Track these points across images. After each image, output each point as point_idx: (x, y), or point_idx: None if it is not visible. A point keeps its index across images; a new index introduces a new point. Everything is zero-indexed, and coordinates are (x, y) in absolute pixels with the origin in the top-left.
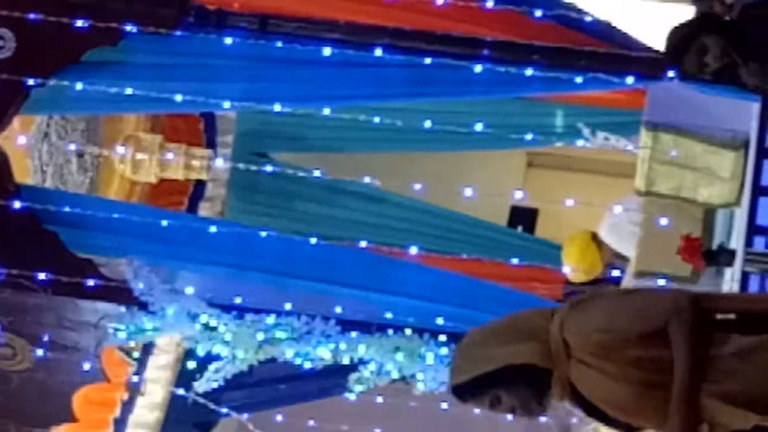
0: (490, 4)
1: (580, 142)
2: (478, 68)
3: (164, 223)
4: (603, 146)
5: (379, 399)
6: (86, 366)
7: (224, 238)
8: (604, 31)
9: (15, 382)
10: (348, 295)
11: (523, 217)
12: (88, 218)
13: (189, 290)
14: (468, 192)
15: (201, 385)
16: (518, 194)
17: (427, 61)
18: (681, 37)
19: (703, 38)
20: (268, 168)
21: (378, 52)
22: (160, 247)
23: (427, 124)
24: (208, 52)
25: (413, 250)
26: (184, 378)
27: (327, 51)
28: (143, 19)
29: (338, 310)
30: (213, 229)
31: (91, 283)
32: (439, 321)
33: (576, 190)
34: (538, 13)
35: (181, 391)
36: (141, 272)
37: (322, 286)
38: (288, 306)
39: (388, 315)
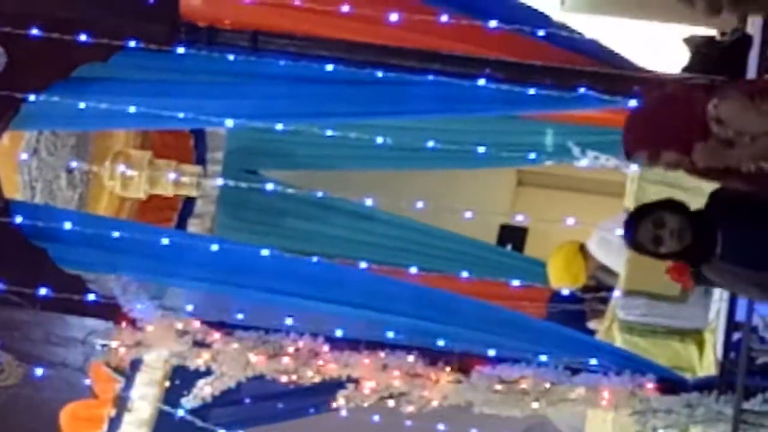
0: (493, 24)
1: (570, 161)
2: (471, 86)
3: (153, 239)
4: (593, 165)
5: (369, 417)
6: (73, 382)
7: (213, 255)
8: (594, 50)
9: (1, 398)
10: (337, 312)
11: (513, 236)
12: (76, 234)
13: (177, 306)
14: (465, 212)
15: (189, 402)
16: (507, 214)
17: (419, 78)
18: (645, 205)
19: (664, 212)
20: (269, 186)
21: (370, 69)
22: (148, 263)
23: (419, 142)
24: (199, 68)
25: (413, 270)
26: (172, 394)
27: (318, 68)
28: (134, 36)
29: (326, 327)
30: (202, 245)
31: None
32: (429, 339)
33: (566, 209)
34: (541, 33)
35: (168, 408)
36: (129, 288)
37: (311, 304)
38: (276, 323)
39: (377, 332)
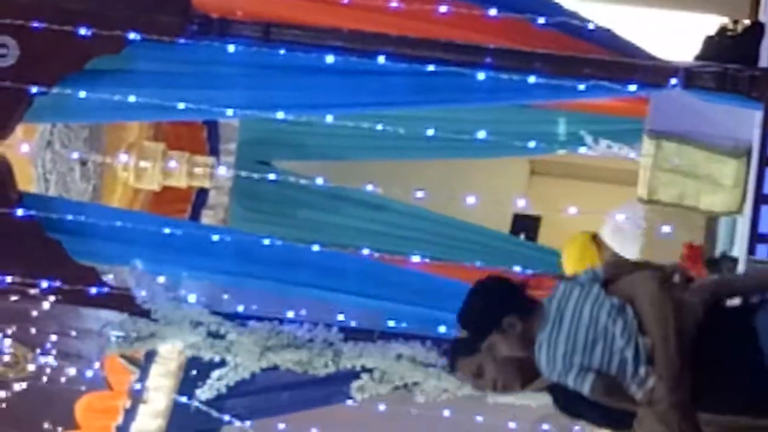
0: (493, 12)
1: (582, 150)
2: (480, 76)
3: (167, 230)
4: (605, 154)
5: (381, 407)
6: (89, 373)
7: (227, 246)
8: (606, 39)
9: (17, 389)
10: (351, 302)
11: (526, 225)
12: (91, 226)
13: (192, 298)
14: (471, 200)
15: (203, 393)
16: (521, 202)
17: (430, 68)
18: None
19: None
20: (282, 177)
21: (381, 59)
22: (162, 254)
23: (430, 131)
24: (212, 60)
25: (415, 258)
26: (187, 385)
27: (330, 59)
28: (146, 27)
29: (341, 317)
30: (215, 237)
31: (93, 290)
32: (442, 329)
33: (579, 198)
34: (541, 20)
35: (183, 399)
36: (144, 280)
37: (325, 294)
38: (290, 314)
39: (391, 323)
